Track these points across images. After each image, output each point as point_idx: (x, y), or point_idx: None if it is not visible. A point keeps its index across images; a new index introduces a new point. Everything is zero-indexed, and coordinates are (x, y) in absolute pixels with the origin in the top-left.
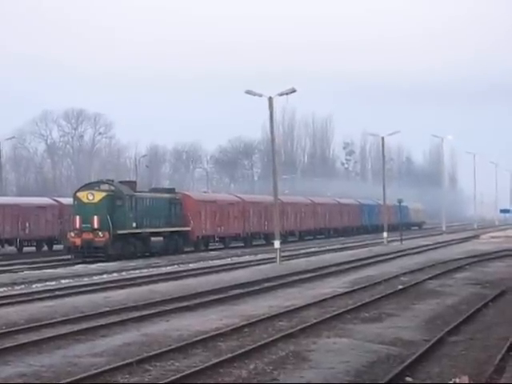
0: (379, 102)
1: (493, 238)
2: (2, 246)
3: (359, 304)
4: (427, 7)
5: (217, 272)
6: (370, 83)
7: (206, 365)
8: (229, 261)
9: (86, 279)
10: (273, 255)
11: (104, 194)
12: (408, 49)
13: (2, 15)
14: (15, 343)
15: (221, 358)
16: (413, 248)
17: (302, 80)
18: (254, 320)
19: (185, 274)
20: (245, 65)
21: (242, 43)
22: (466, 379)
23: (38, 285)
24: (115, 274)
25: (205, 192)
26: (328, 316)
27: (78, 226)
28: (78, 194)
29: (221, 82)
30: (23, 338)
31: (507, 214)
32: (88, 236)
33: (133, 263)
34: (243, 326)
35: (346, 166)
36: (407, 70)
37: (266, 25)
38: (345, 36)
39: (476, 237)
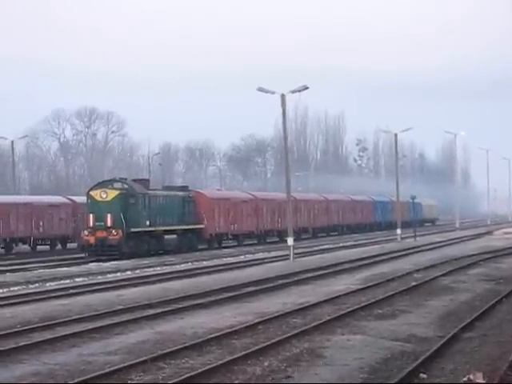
0: (391, 99)
1: (506, 233)
2: (16, 245)
3: (373, 301)
4: (437, 4)
5: (230, 269)
6: (382, 80)
7: (221, 362)
8: (242, 258)
9: (99, 277)
10: (286, 252)
11: (117, 192)
12: (420, 46)
13: (14, 17)
14: (30, 342)
15: (235, 356)
16: (426, 244)
17: (315, 78)
18: (267, 317)
19: (198, 271)
20: (257, 63)
21: (254, 42)
22: (480, 376)
23: (52, 283)
24: (129, 272)
25: (218, 190)
26: (342, 313)
27: (91, 224)
28: (92, 193)
29: (233, 81)
30: (38, 337)
31: None
32: (102, 234)
33: (146, 261)
34: (257, 324)
35: (358, 162)
36: (419, 66)
37: (278, 24)
38: (355, 34)
39: (489, 233)
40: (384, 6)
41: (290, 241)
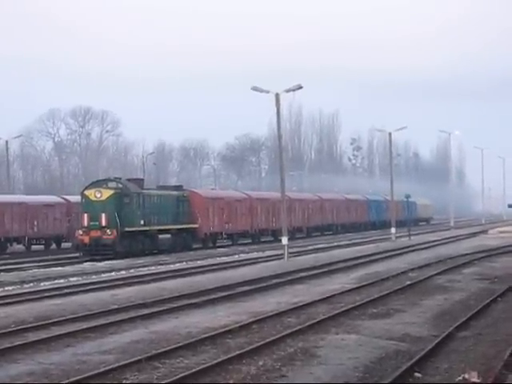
0: (386, 98)
1: (501, 232)
2: (11, 245)
3: (367, 300)
4: (435, 3)
5: (225, 269)
6: (377, 80)
7: (215, 362)
8: (236, 257)
9: (94, 277)
10: (280, 252)
11: (112, 191)
12: (415, 45)
13: (12, 16)
14: (24, 341)
15: (229, 355)
16: (421, 243)
17: (314, 77)
18: (262, 316)
19: (193, 270)
20: (252, 62)
21: (252, 42)
22: (475, 375)
23: (47, 283)
24: (123, 272)
25: (212, 189)
26: (336, 312)
27: (85, 223)
28: (86, 192)
29: (228, 80)
30: (32, 336)
31: None
32: (96, 234)
33: (141, 260)
34: (252, 323)
35: (353, 161)
36: (414, 66)
37: (277, 24)
38: (352, 33)
39: (484, 232)
40: (383, 5)
41: (285, 240)
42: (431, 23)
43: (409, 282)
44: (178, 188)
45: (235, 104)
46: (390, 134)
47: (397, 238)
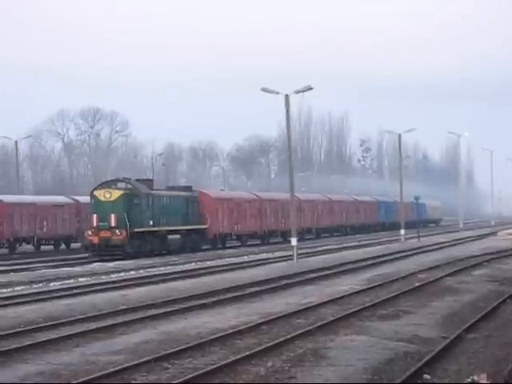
0: (396, 100)
1: (510, 234)
2: (20, 245)
3: (376, 301)
4: (441, 6)
5: (234, 270)
6: (387, 82)
7: (224, 362)
8: (246, 258)
9: (103, 277)
10: (290, 253)
11: (121, 192)
12: (424, 47)
13: (17, 17)
14: (34, 341)
15: (239, 356)
16: (430, 245)
17: (319, 79)
18: (271, 317)
19: (202, 271)
20: (261, 64)
21: (258, 44)
22: (484, 377)
23: (56, 283)
24: (132, 272)
25: (222, 190)
26: (345, 313)
27: (95, 224)
28: (95, 193)
29: (237, 81)
30: (42, 337)
31: None
32: (105, 234)
33: (150, 261)
34: (261, 324)
35: (362, 163)
36: (424, 68)
37: (282, 27)
38: (360, 35)
39: (493, 234)
40: (389, 6)
41: (294, 241)
42: (439, 25)
43: (418, 284)
44: (187, 189)
45: (243, 105)
46: (399, 135)
47: (406, 239)
